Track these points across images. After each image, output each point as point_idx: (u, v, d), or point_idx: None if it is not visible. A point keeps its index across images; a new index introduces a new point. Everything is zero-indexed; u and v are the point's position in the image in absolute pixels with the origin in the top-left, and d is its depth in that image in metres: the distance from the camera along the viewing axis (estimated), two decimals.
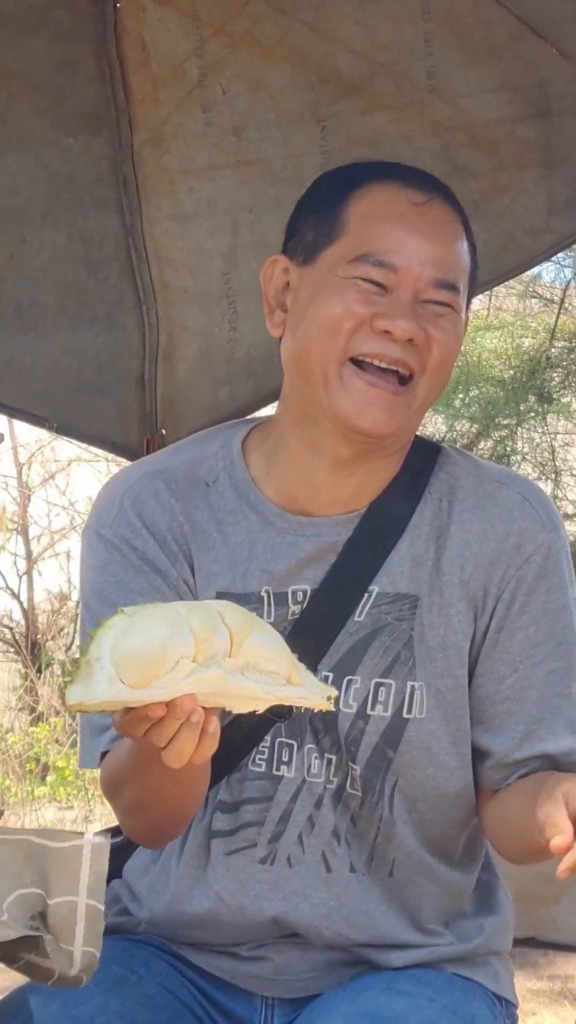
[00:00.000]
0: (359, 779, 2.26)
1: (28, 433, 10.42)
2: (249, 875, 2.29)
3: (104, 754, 2.24)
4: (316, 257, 2.24)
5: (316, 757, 2.27)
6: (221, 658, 1.83)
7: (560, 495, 8.57)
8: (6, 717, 10.46)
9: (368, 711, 2.24)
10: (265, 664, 1.87)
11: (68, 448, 10.28)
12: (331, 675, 2.22)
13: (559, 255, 9.81)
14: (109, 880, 2.04)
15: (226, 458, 2.33)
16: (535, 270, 10.07)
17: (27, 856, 1.65)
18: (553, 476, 8.47)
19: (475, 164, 3.39)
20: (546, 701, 2.26)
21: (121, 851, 2.38)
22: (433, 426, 8.22)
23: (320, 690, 1.90)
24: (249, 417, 2.38)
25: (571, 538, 8.76)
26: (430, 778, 2.28)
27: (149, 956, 2.30)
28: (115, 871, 2.33)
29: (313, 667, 2.06)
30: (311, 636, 2.14)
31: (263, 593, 2.26)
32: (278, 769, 2.28)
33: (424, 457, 2.32)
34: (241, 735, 2.22)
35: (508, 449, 8.20)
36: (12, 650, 10.17)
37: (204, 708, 1.86)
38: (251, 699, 1.86)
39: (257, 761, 2.27)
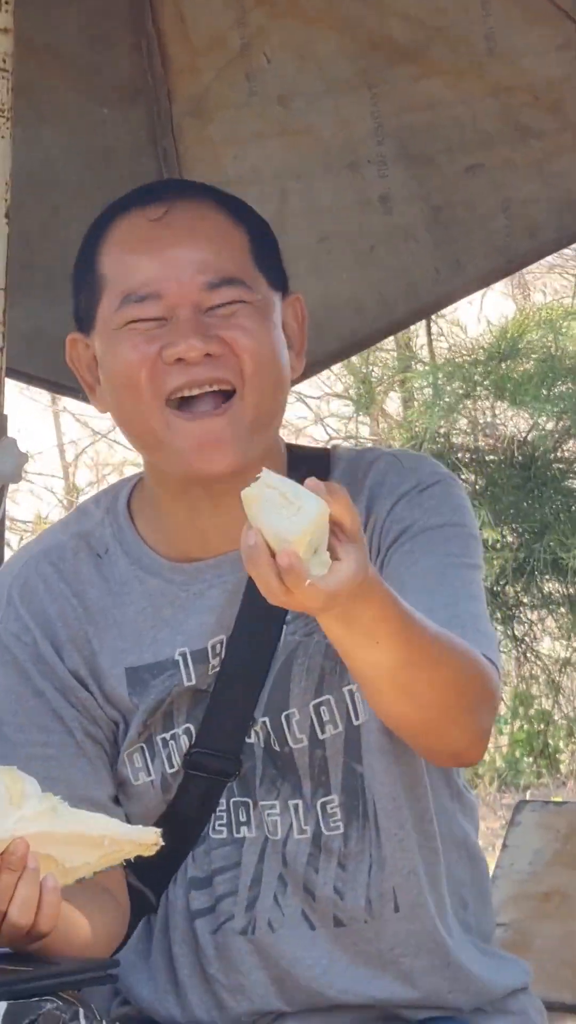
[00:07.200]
0: (339, 809, 1.97)
1: (79, 431, 8.53)
2: (236, 950, 1.99)
3: None
4: (93, 320, 1.97)
5: (274, 814, 1.97)
6: (36, 800, 1.71)
7: None
8: None
9: (320, 736, 1.95)
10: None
11: (121, 450, 8.17)
12: (267, 719, 1.93)
13: None
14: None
15: (113, 523, 2.05)
16: None
17: None
18: None
19: (538, 124, 3.05)
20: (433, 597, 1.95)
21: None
22: (514, 425, 6.76)
23: (144, 833, 1.76)
24: (129, 476, 2.13)
25: None
26: (399, 776, 1.96)
27: None
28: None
29: (249, 716, 1.91)
30: (238, 683, 1.88)
31: (177, 657, 1.96)
32: (239, 831, 1.99)
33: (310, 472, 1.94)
34: (194, 805, 1.95)
35: None
36: None
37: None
38: (78, 841, 1.73)
39: (217, 828, 1.99)
